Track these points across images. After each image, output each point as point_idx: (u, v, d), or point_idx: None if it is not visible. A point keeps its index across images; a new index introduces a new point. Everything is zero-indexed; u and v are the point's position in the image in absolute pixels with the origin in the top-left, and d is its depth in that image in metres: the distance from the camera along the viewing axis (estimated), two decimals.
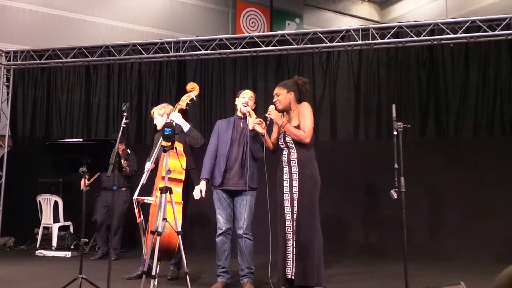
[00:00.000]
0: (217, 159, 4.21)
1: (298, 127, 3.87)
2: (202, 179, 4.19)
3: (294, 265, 3.79)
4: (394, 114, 3.94)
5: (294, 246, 3.80)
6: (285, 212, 3.89)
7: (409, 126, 4.14)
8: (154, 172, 4.51)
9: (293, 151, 3.89)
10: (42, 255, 6.48)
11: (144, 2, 11.86)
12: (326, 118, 7.23)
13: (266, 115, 3.96)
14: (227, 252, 4.18)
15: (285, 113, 4.03)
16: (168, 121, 4.46)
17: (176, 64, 7.82)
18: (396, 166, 3.82)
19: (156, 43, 7.31)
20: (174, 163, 4.11)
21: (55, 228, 6.94)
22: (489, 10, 10.59)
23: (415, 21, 6.74)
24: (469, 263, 5.53)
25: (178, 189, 4.12)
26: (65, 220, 7.06)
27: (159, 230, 3.40)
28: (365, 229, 6.57)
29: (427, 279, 4.56)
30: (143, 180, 4.30)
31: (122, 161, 5.69)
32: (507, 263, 1.42)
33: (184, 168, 4.23)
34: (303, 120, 3.88)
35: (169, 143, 3.50)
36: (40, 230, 6.99)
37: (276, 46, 6.88)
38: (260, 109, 4.48)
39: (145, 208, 4.34)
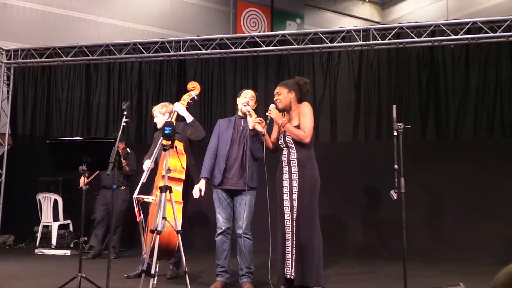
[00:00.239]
0: (217, 158, 4.21)
1: (298, 127, 3.87)
2: (202, 178, 4.19)
3: (293, 265, 3.79)
4: (394, 115, 3.94)
5: (294, 246, 3.80)
6: (285, 212, 3.88)
7: (409, 126, 4.14)
8: (154, 171, 4.51)
9: (293, 151, 3.89)
10: (42, 253, 6.48)
11: (145, 1, 11.86)
12: (326, 118, 7.24)
13: (266, 114, 3.96)
14: (226, 251, 4.18)
15: (285, 112, 4.03)
16: (169, 120, 4.46)
17: (176, 64, 7.83)
18: (396, 166, 3.82)
19: (156, 42, 7.31)
20: (174, 162, 4.11)
21: (54, 226, 6.94)
22: (490, 11, 10.57)
23: (416, 22, 6.75)
24: (469, 264, 5.53)
25: (178, 188, 4.12)
26: (64, 218, 7.05)
27: (159, 229, 3.40)
28: (365, 229, 6.57)
29: (426, 280, 4.56)
30: (143, 179, 4.29)
31: (122, 160, 5.68)
32: (506, 264, 1.42)
33: (184, 167, 4.23)
34: (303, 120, 3.88)
35: (169, 142, 3.50)
36: (40, 229, 6.99)
37: (277, 46, 6.88)
38: (260, 109, 4.47)
39: (144, 207, 4.34)
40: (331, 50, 7.08)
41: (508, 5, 10.66)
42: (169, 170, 3.57)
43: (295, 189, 3.84)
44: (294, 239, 3.80)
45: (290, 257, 3.81)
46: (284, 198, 3.90)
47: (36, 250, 6.55)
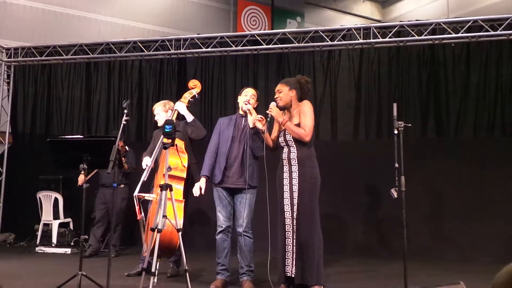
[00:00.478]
0: (218, 156, 4.21)
1: (298, 125, 3.87)
2: (202, 176, 4.20)
3: (293, 264, 3.79)
4: (395, 113, 3.94)
5: (294, 244, 3.80)
6: (285, 210, 3.89)
7: (410, 125, 4.13)
8: (154, 169, 4.51)
9: (293, 150, 3.89)
10: (42, 251, 6.48)
11: None
12: (327, 116, 7.23)
13: (267, 112, 3.95)
14: (226, 249, 4.18)
15: (286, 111, 4.03)
16: (169, 118, 4.46)
17: (176, 62, 7.82)
18: (396, 165, 3.81)
19: (157, 41, 7.31)
20: (176, 161, 4.11)
21: (55, 224, 6.94)
22: (491, 10, 10.57)
23: (416, 20, 6.73)
24: (469, 263, 5.53)
25: (179, 187, 4.12)
26: (65, 217, 7.05)
27: (159, 227, 3.40)
28: (365, 228, 6.57)
29: (426, 279, 4.57)
30: (144, 177, 4.29)
31: (122, 158, 5.68)
32: (506, 264, 1.42)
33: (186, 166, 4.23)
34: (303, 118, 3.88)
35: (170, 140, 3.49)
36: (40, 227, 6.99)
37: (277, 44, 6.87)
38: (260, 108, 4.47)
39: (144, 205, 4.34)
40: (332, 49, 7.06)
41: (509, 3, 10.64)
42: (169, 168, 3.57)
43: (295, 188, 3.84)
44: (295, 238, 3.80)
45: (291, 256, 3.82)
46: (285, 197, 3.90)
47: (37, 248, 6.55)
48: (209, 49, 7.08)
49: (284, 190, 3.91)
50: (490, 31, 6.12)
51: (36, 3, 10.31)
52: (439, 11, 12.50)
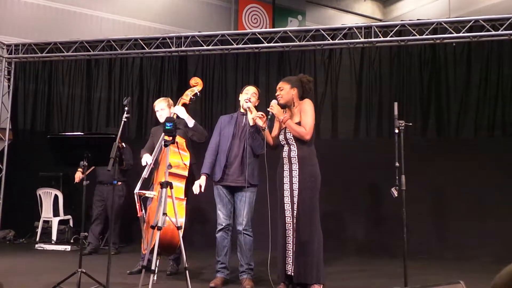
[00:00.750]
0: (218, 154, 4.21)
1: (299, 123, 3.87)
2: (202, 174, 4.20)
3: (293, 262, 3.79)
4: (396, 112, 3.94)
5: (294, 243, 3.80)
6: (285, 209, 3.89)
7: (410, 124, 4.13)
8: (154, 166, 4.49)
9: (294, 148, 3.89)
10: (42, 248, 6.48)
11: None
12: (327, 115, 7.22)
13: (268, 109, 3.95)
14: (226, 248, 4.18)
15: (287, 109, 4.02)
16: (171, 115, 4.45)
17: (177, 60, 7.80)
18: (397, 164, 3.81)
19: (158, 38, 7.30)
20: (177, 161, 4.10)
21: (55, 221, 6.95)
22: (492, 9, 10.56)
23: (418, 19, 6.72)
24: (469, 262, 5.54)
25: (180, 185, 4.12)
26: (65, 214, 7.06)
27: (159, 224, 3.40)
28: (365, 227, 6.57)
29: (427, 278, 4.57)
30: (144, 174, 4.29)
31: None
32: (506, 263, 1.42)
33: (187, 164, 4.22)
34: (304, 116, 3.87)
35: (171, 138, 3.49)
36: (40, 224, 7.00)
37: (278, 42, 6.86)
38: (261, 106, 4.46)
39: (143, 202, 4.33)
40: (333, 47, 7.06)
41: (510, 3, 10.62)
42: (169, 166, 3.57)
43: (295, 186, 3.84)
44: (295, 236, 3.80)
45: (291, 254, 3.82)
46: (285, 195, 3.90)
47: (37, 246, 6.55)
48: (210, 47, 7.07)
49: (285, 189, 3.91)
50: (491, 31, 6.11)
51: (37, 0, 10.30)
52: (440, 11, 12.49)
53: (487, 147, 6.41)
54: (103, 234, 6.50)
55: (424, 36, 6.36)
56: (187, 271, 3.52)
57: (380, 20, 13.84)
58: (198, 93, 4.57)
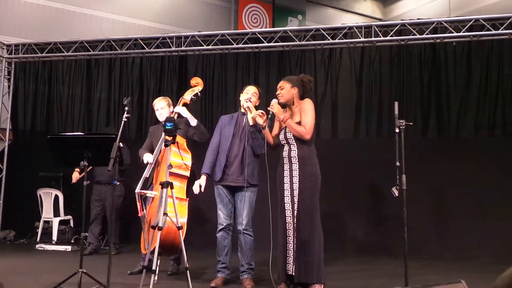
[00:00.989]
0: (219, 154, 4.21)
1: (299, 123, 3.86)
2: (202, 174, 4.19)
3: (294, 262, 3.79)
4: (396, 112, 3.93)
5: (295, 242, 3.80)
6: (286, 208, 3.88)
7: (411, 124, 4.13)
8: (154, 166, 4.49)
9: (294, 148, 3.89)
10: (43, 249, 6.48)
11: None
12: (328, 115, 7.22)
13: (268, 108, 3.95)
14: (227, 248, 4.18)
15: (287, 108, 4.02)
16: (172, 114, 4.44)
17: (177, 59, 7.80)
18: (397, 164, 3.81)
19: (158, 38, 7.29)
20: (179, 162, 4.10)
21: (55, 222, 6.94)
22: (492, 9, 10.55)
23: (418, 19, 6.72)
24: (470, 262, 5.54)
25: (182, 185, 4.12)
26: (65, 214, 7.06)
27: (160, 225, 3.40)
28: (366, 226, 6.57)
29: (427, 277, 4.57)
30: (146, 173, 4.28)
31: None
32: (507, 263, 1.41)
33: (189, 164, 4.21)
34: (304, 116, 3.87)
35: (171, 138, 3.48)
36: (41, 224, 6.99)
37: (278, 42, 6.86)
38: (261, 106, 4.46)
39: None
40: (333, 47, 7.06)
41: (510, 2, 10.61)
42: (170, 166, 3.56)
43: (296, 186, 3.83)
44: (295, 236, 3.80)
45: (291, 254, 3.82)
46: (285, 195, 3.90)
47: (37, 246, 6.55)
48: (210, 47, 7.07)
49: (285, 188, 3.91)
50: (491, 30, 6.11)
51: (37, 0, 10.30)
52: (441, 10, 12.49)
53: (487, 147, 6.40)
54: (103, 234, 6.50)
55: (424, 36, 6.35)
56: (187, 271, 3.51)
57: (380, 20, 13.83)
58: (199, 93, 4.57)
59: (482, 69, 6.65)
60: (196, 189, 4.16)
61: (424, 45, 6.80)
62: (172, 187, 3.52)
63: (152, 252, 3.49)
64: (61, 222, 7.04)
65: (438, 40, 6.43)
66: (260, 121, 3.97)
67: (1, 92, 7.76)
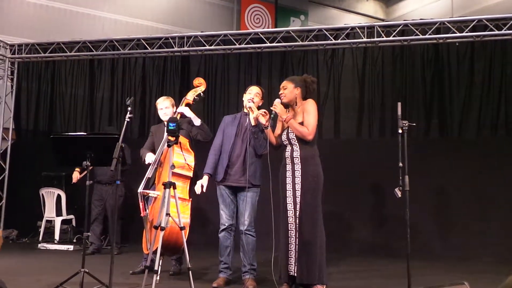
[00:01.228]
0: (221, 154, 4.21)
1: (302, 123, 3.86)
2: (205, 174, 4.19)
3: (296, 262, 3.79)
4: (399, 112, 3.92)
5: (297, 243, 3.80)
6: (288, 209, 3.88)
7: (414, 124, 4.11)
8: (156, 166, 4.49)
9: (296, 148, 3.88)
10: (45, 248, 6.49)
11: None
12: (330, 115, 7.22)
13: (271, 108, 3.94)
14: (229, 248, 4.18)
15: (290, 108, 4.02)
16: (175, 115, 4.44)
17: (180, 59, 7.82)
18: (400, 164, 3.80)
19: (160, 38, 7.30)
20: (182, 162, 4.10)
21: (57, 221, 6.95)
22: (495, 9, 10.52)
23: (420, 19, 6.70)
24: (474, 263, 5.52)
25: (185, 185, 4.12)
26: (67, 213, 7.07)
27: (162, 225, 3.40)
28: (368, 227, 6.56)
29: (430, 278, 4.55)
30: (148, 173, 4.29)
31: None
32: (510, 263, 1.40)
33: (191, 165, 4.21)
34: (307, 117, 3.87)
35: (174, 138, 3.48)
36: (43, 223, 7.01)
37: (281, 42, 6.85)
38: (264, 106, 4.46)
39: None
40: (335, 47, 7.05)
41: None
42: (173, 166, 3.56)
43: (298, 186, 3.83)
44: (297, 236, 3.79)
45: (293, 254, 3.81)
46: (287, 195, 3.89)
47: (39, 245, 6.57)
48: (212, 47, 7.07)
49: (287, 189, 3.90)
50: (494, 31, 6.09)
51: (40, 0, 10.31)
52: (443, 10, 12.46)
53: (490, 147, 6.39)
54: (105, 234, 6.50)
55: (427, 36, 6.34)
56: (190, 271, 3.51)
57: (383, 20, 13.81)
58: (202, 94, 4.56)
59: (485, 70, 6.63)
60: (198, 189, 4.16)
61: (427, 45, 6.79)
62: (174, 188, 3.52)
63: (155, 252, 3.49)
64: (63, 222, 7.05)
65: (441, 41, 6.41)
66: (263, 120, 3.96)
67: (4, 92, 7.78)
